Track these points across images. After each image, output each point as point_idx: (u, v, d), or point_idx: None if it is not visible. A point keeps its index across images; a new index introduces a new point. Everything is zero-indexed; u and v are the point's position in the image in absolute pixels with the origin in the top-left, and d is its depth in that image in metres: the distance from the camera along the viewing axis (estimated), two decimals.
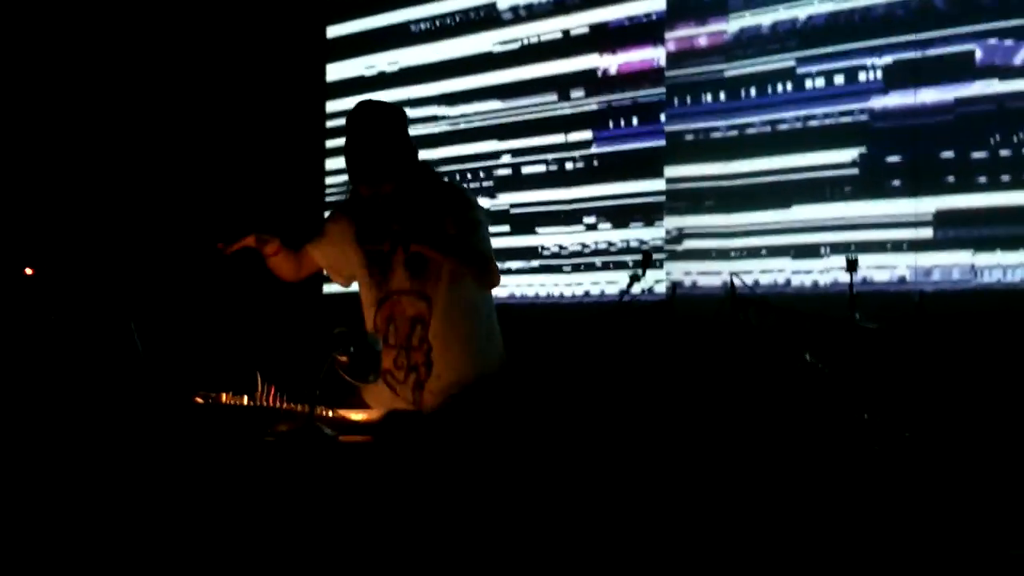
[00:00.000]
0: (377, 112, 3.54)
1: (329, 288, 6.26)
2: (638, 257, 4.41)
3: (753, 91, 5.11)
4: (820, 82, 4.94)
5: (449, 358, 3.52)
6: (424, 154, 4.67)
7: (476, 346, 3.58)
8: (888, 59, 4.76)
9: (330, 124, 6.72)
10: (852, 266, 3.85)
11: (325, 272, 3.86)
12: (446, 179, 3.79)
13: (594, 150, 5.64)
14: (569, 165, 5.73)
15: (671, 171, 5.35)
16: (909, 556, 3.33)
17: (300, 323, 3.40)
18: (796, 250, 4.90)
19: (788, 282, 4.87)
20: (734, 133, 5.15)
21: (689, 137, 5.31)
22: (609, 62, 5.63)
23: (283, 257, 3.72)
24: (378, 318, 3.61)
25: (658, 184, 5.38)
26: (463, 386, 3.51)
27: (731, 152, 5.14)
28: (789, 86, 5.01)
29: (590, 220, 5.62)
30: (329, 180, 6.70)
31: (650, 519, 3.16)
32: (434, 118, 6.18)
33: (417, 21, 6.37)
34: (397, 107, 3.59)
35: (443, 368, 3.51)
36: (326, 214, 6.50)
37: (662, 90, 5.41)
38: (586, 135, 5.68)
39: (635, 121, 5.53)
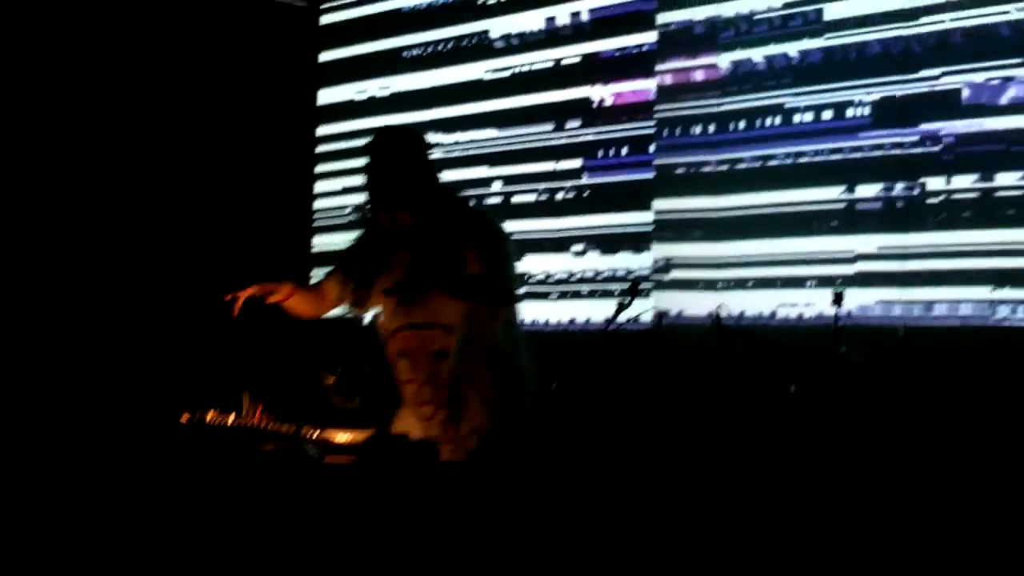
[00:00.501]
0: (394, 138, 3.48)
1: None
2: (625, 286, 4.41)
3: (743, 125, 5.14)
4: (808, 116, 4.97)
5: (480, 391, 3.41)
6: None
7: (504, 377, 3.46)
8: (876, 95, 4.80)
9: (320, 148, 6.73)
10: (838, 299, 3.87)
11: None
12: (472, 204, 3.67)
13: (583, 181, 5.66)
14: (559, 195, 5.75)
15: (660, 203, 5.37)
16: None
17: (288, 343, 3.39)
18: (783, 282, 4.92)
19: (774, 314, 4.89)
20: (724, 168, 5.18)
21: (679, 171, 5.33)
22: (600, 93, 5.66)
23: (299, 299, 3.62)
24: (391, 348, 3.54)
25: (646, 216, 5.40)
26: (493, 422, 3.39)
27: (720, 186, 5.17)
28: (778, 120, 5.05)
29: (578, 248, 5.63)
30: (318, 204, 6.70)
31: (638, 544, 3.16)
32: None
33: (409, 47, 6.40)
34: (416, 132, 3.53)
35: (475, 403, 3.40)
36: (316, 239, 6.61)
37: (652, 122, 5.44)
38: (575, 165, 5.70)
39: (624, 152, 5.55)
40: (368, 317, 3.66)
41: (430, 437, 3.35)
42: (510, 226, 5.73)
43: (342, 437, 3.19)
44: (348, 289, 3.54)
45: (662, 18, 5.44)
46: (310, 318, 3.70)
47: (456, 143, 6.12)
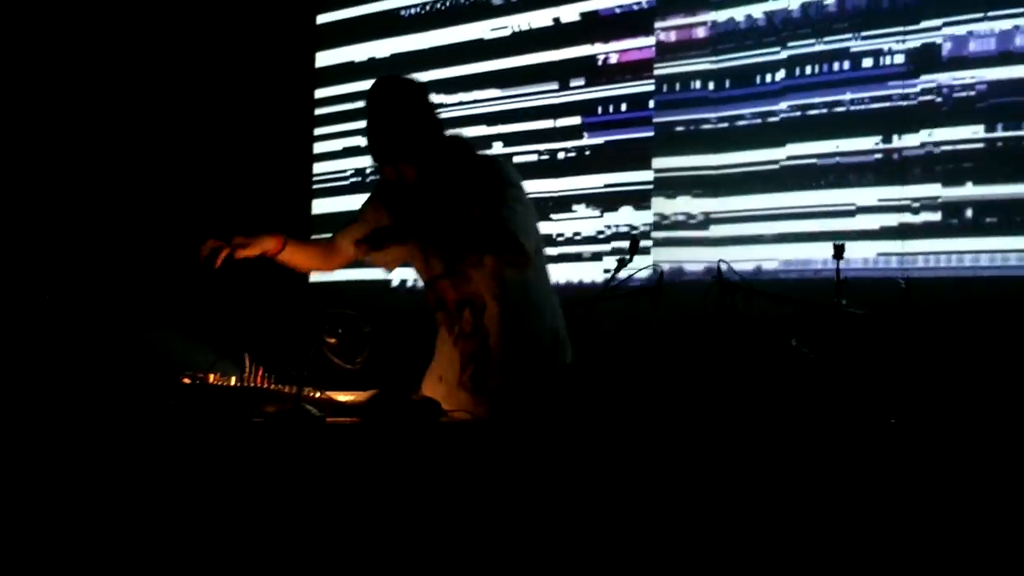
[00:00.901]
0: (392, 88, 3.39)
1: (316, 278, 6.25)
2: (624, 244, 4.40)
3: (742, 81, 5.12)
4: (808, 70, 4.95)
5: (508, 342, 3.37)
6: None
7: (536, 323, 3.42)
8: (876, 46, 4.77)
9: (319, 111, 6.70)
10: (839, 252, 3.86)
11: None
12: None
13: (582, 141, 5.64)
14: (559, 155, 5.73)
15: (659, 162, 5.36)
16: (896, 544, 3.35)
17: (289, 304, 3.39)
18: (783, 236, 4.91)
19: (775, 269, 4.89)
20: (724, 124, 5.15)
21: (679, 128, 5.31)
22: (599, 51, 5.63)
23: (294, 252, 3.56)
24: (429, 301, 3.50)
25: (646, 175, 5.38)
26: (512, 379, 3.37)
27: (720, 143, 5.15)
28: (779, 75, 5.02)
29: (577, 208, 5.62)
30: (318, 167, 6.69)
31: (643, 507, 3.17)
32: None
33: (408, 7, 6.36)
34: (416, 81, 3.43)
35: (504, 355, 3.37)
36: (316, 203, 6.60)
37: (651, 80, 5.41)
38: (575, 124, 5.67)
39: (624, 110, 5.53)
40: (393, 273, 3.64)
41: (460, 387, 3.36)
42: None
43: (345, 397, 3.20)
44: (361, 249, 3.49)
45: None
46: (317, 270, 3.67)
47: (456, 103, 6.09)
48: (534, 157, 5.81)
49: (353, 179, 6.46)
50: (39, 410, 3.17)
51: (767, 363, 3.70)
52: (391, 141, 3.31)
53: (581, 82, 5.68)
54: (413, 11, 6.35)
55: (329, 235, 3.69)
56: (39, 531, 3.03)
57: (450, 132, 3.45)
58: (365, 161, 6.38)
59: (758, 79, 5.07)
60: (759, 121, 5.06)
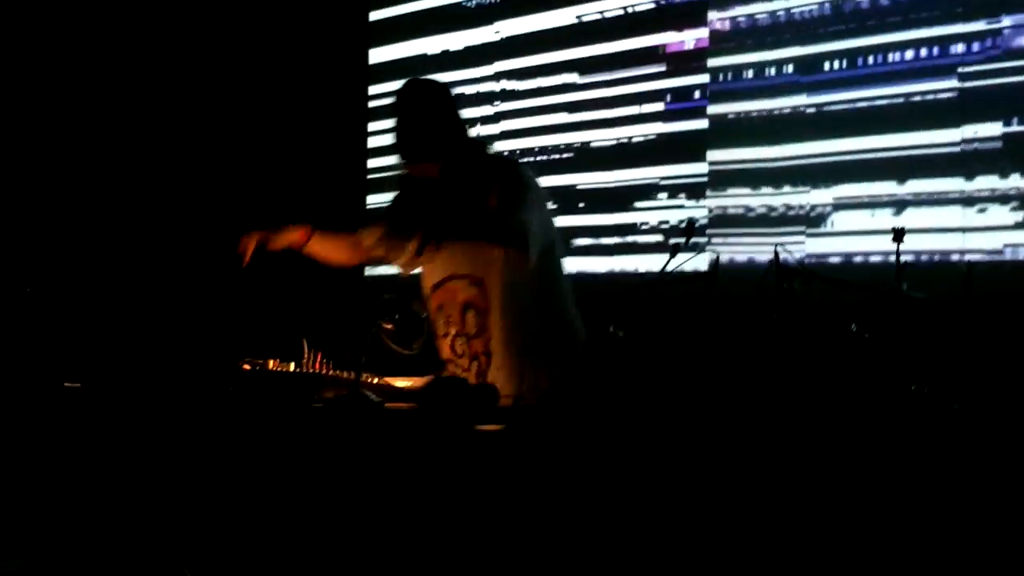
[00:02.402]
0: (420, 89, 3.49)
1: (372, 271, 6.28)
2: (678, 239, 4.36)
3: (799, 71, 5.07)
4: (865, 61, 4.90)
5: (510, 346, 3.43)
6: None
7: (541, 331, 3.47)
8: (934, 39, 4.72)
9: (373, 104, 6.73)
10: (899, 236, 3.81)
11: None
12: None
13: (636, 132, 5.61)
14: (610, 147, 5.70)
15: (714, 154, 5.32)
16: (953, 530, 3.31)
17: (347, 291, 3.42)
18: (841, 224, 4.87)
19: (834, 255, 4.85)
20: (779, 114, 5.11)
21: (733, 119, 5.27)
22: (652, 42, 5.59)
23: (321, 245, 3.64)
24: (431, 305, 3.55)
25: (700, 167, 5.35)
26: (529, 373, 3.41)
27: (775, 135, 5.10)
28: (835, 66, 4.97)
29: (630, 200, 5.59)
30: (371, 163, 6.71)
31: (698, 486, 3.15)
32: (476, 97, 6.19)
33: (466, 1, 6.37)
34: (442, 84, 3.53)
35: (503, 358, 3.43)
36: (371, 198, 6.63)
37: (706, 75, 5.38)
38: (629, 116, 5.65)
39: (678, 102, 5.50)
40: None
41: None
42: (563, 179, 5.78)
43: (403, 383, 3.21)
44: (382, 245, 3.57)
45: None
46: (343, 265, 3.72)
47: (503, 95, 6.10)
48: (588, 146, 5.79)
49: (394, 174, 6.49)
50: (106, 393, 3.22)
51: (826, 348, 3.66)
52: (419, 141, 3.38)
53: (631, 73, 5.66)
54: (468, 5, 6.36)
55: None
56: (100, 511, 3.07)
57: (472, 134, 3.54)
58: None
59: (817, 68, 5.03)
60: (814, 111, 5.02)
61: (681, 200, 5.41)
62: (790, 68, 5.10)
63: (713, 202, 5.27)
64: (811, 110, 5.03)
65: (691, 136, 5.40)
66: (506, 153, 4.22)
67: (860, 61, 4.92)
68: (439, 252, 3.44)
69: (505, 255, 3.37)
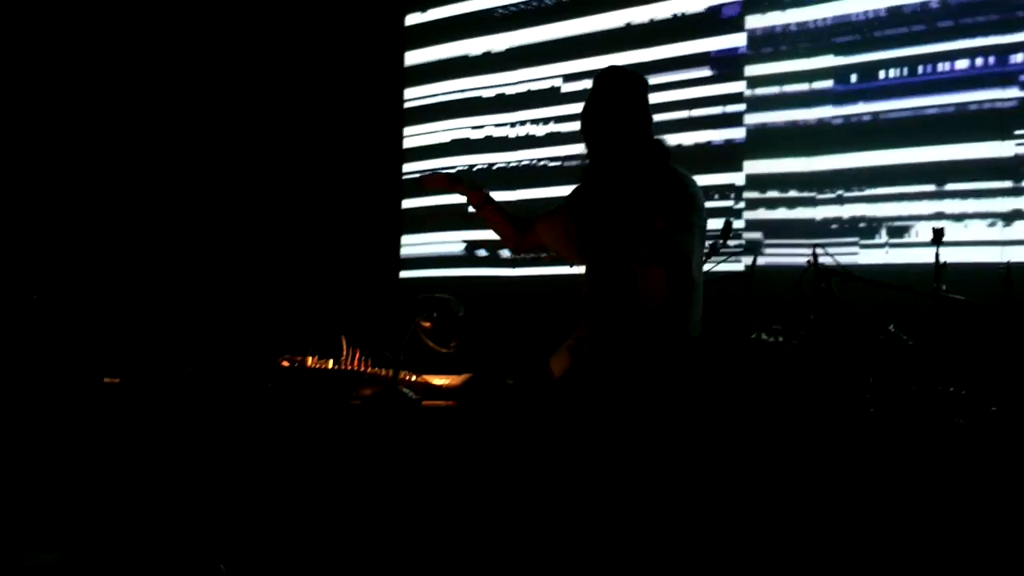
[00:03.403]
0: (622, 78, 3.45)
1: (406, 274, 6.31)
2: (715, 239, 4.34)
3: (834, 83, 5.05)
4: (895, 73, 4.88)
5: (637, 333, 3.37)
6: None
7: (667, 327, 3.38)
8: (971, 49, 4.69)
9: (408, 104, 6.75)
10: (938, 237, 3.79)
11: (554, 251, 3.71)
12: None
13: (673, 141, 5.58)
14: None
15: (751, 165, 5.30)
16: (993, 531, 3.29)
17: (385, 290, 3.42)
18: (881, 224, 4.84)
19: (872, 256, 4.82)
20: (815, 125, 5.09)
21: (770, 129, 5.25)
22: (688, 50, 5.58)
23: (494, 213, 3.65)
24: (586, 288, 3.52)
25: (738, 177, 5.33)
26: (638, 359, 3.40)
27: (813, 147, 5.08)
28: (870, 77, 4.95)
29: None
30: (407, 166, 6.73)
31: (732, 481, 3.15)
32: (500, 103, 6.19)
33: (505, 6, 6.37)
34: (640, 78, 3.49)
35: (597, 345, 3.38)
36: (406, 202, 6.66)
37: (742, 83, 5.36)
38: (664, 125, 5.62)
39: (715, 112, 5.47)
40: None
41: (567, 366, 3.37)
42: None
43: (440, 381, 3.22)
44: (548, 238, 3.57)
45: None
46: (510, 247, 3.72)
47: (535, 103, 6.11)
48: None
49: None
50: (146, 389, 3.24)
51: (864, 348, 3.65)
52: (608, 125, 3.35)
53: (666, 79, 5.65)
54: (508, 11, 6.36)
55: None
56: (135, 506, 3.09)
57: (657, 137, 3.50)
58: (452, 160, 6.43)
59: (851, 80, 5.01)
60: (850, 122, 5.00)
61: (719, 210, 5.39)
62: (829, 80, 5.09)
63: (751, 214, 5.26)
64: (839, 121, 5.00)
65: (728, 146, 5.38)
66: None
67: (882, 74, 4.90)
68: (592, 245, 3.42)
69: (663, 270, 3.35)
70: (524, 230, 3.69)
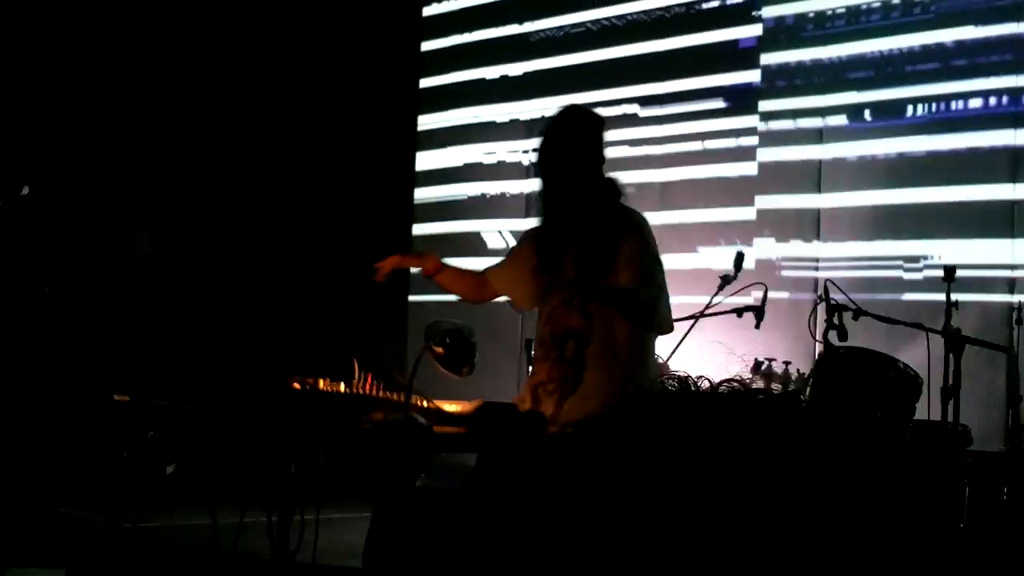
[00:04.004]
0: (577, 115, 3.47)
1: (416, 297, 6.31)
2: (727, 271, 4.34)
3: (844, 120, 5.07)
4: (912, 111, 4.90)
5: (598, 380, 3.36)
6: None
7: (627, 373, 3.38)
8: (983, 91, 4.73)
9: (422, 128, 6.77)
10: (949, 275, 3.81)
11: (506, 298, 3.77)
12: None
13: (686, 176, 5.60)
14: (663, 188, 5.69)
15: (762, 200, 5.31)
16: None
17: (397, 314, 3.41)
18: (893, 260, 4.84)
19: (883, 290, 4.83)
20: (829, 160, 5.10)
21: (781, 165, 5.27)
22: (703, 84, 5.60)
23: (449, 277, 3.65)
24: (545, 330, 3.55)
25: (749, 212, 5.34)
26: (601, 410, 3.39)
27: (825, 182, 5.09)
28: (884, 115, 4.98)
29: (685, 239, 5.59)
30: (418, 192, 6.75)
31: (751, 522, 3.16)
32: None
33: (511, 36, 6.40)
34: (597, 116, 3.50)
35: (589, 389, 3.35)
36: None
37: (755, 118, 5.38)
38: (676, 160, 5.65)
39: (730, 146, 5.49)
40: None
41: (544, 410, 3.37)
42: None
43: (452, 407, 3.21)
44: (505, 286, 3.58)
45: (767, 11, 5.40)
46: (469, 300, 3.73)
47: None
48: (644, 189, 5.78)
49: (452, 202, 6.53)
50: (156, 407, 3.24)
51: (873, 383, 3.65)
52: (563, 163, 3.37)
53: (682, 109, 5.67)
54: (518, 39, 6.39)
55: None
56: (145, 523, 3.09)
57: (609, 175, 3.52)
58: (463, 187, 6.46)
59: (861, 117, 5.03)
60: (854, 158, 5.02)
61: (731, 245, 5.39)
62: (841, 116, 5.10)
63: (762, 246, 5.27)
64: (853, 157, 5.02)
65: (741, 179, 5.40)
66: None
67: (896, 111, 4.92)
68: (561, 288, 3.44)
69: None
70: (481, 284, 3.70)
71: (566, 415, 3.35)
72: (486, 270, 3.68)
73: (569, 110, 3.52)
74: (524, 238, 3.64)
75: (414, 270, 3.75)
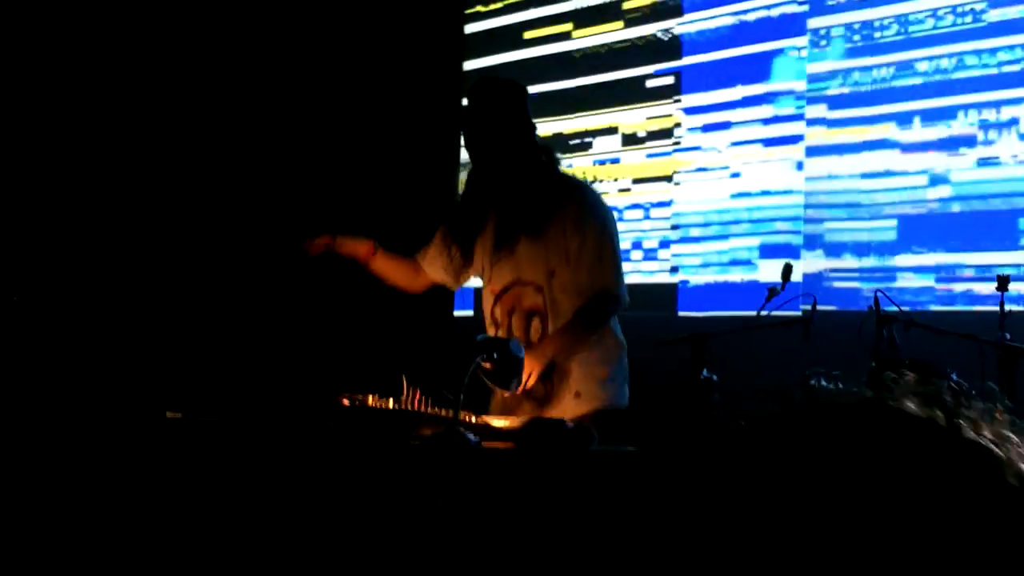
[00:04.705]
0: (497, 86, 3.50)
1: (461, 312, 6.29)
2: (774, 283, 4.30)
3: (899, 125, 5.01)
4: (963, 116, 4.84)
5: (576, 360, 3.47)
6: None
7: (598, 347, 3.52)
8: None
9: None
10: (1003, 284, 3.76)
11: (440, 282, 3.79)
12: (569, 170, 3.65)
13: (730, 162, 5.54)
14: (705, 175, 5.64)
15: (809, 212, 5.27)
16: None
17: (447, 329, 3.43)
18: (945, 270, 4.78)
19: (935, 301, 4.76)
20: (878, 170, 5.04)
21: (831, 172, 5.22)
22: (750, 92, 5.56)
23: (383, 263, 3.69)
24: (495, 311, 3.58)
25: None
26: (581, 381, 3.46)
27: (875, 190, 5.03)
28: (942, 120, 4.92)
29: (729, 229, 5.55)
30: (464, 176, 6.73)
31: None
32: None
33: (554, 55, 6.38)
34: (517, 85, 3.52)
35: (561, 366, 3.46)
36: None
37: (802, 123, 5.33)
38: (725, 144, 5.60)
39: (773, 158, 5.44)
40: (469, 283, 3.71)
41: (524, 395, 3.39)
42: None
43: (501, 422, 3.21)
44: (451, 253, 3.61)
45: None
46: (403, 288, 3.75)
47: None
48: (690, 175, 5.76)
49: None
50: (208, 424, 3.26)
51: (924, 397, 3.60)
52: (491, 135, 3.38)
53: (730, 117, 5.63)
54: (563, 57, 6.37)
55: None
56: (193, 542, 3.10)
57: (541, 142, 3.54)
58: None
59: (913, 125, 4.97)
60: (903, 165, 4.96)
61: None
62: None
63: (810, 257, 5.21)
64: (902, 165, 4.95)
65: (785, 164, 5.35)
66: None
67: (947, 118, 4.85)
68: (504, 259, 3.48)
69: (558, 270, 3.41)
70: (415, 270, 3.72)
71: (559, 393, 3.46)
72: (417, 257, 3.72)
73: (487, 81, 3.57)
74: (446, 225, 3.67)
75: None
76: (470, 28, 6.79)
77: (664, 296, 5.67)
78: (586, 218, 3.43)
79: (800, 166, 5.30)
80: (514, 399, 3.46)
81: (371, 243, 3.68)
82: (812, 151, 5.26)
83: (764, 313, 3.78)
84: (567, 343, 3.41)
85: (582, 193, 3.52)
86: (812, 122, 5.27)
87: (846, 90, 5.16)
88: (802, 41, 5.34)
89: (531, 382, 3.35)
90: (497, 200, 3.49)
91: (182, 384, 4.46)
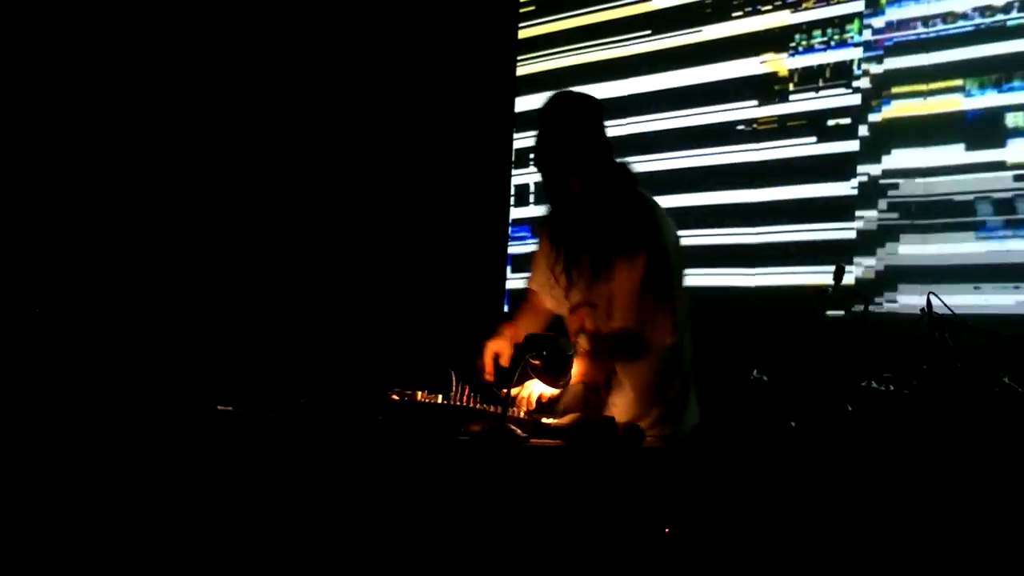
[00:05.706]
0: (571, 101, 3.42)
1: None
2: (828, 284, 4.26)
3: (967, 121, 4.96)
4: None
5: (626, 380, 3.44)
6: None
7: (659, 370, 3.44)
8: None
9: (517, 146, 6.77)
10: None
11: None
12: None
13: (786, 154, 5.49)
14: (759, 166, 5.61)
15: (863, 214, 5.22)
16: None
17: (495, 326, 3.43)
18: (998, 273, 4.72)
19: (989, 305, 4.70)
20: (936, 166, 5.00)
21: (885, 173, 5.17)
22: (801, 63, 5.51)
23: (527, 326, 3.58)
24: (571, 327, 3.56)
25: (850, 226, 5.26)
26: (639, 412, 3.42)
27: (930, 191, 4.98)
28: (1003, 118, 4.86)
29: (780, 222, 5.50)
30: (514, 211, 6.75)
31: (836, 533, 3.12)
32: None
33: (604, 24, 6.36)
34: (594, 99, 3.44)
35: (622, 390, 3.44)
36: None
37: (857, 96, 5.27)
38: (778, 136, 5.56)
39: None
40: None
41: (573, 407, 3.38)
42: (713, 197, 5.64)
43: (549, 420, 3.22)
44: (556, 290, 3.59)
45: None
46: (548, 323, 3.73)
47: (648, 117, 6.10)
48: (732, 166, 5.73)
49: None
50: (257, 417, 3.29)
51: (977, 400, 3.58)
52: (564, 152, 3.34)
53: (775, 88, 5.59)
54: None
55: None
56: (240, 535, 3.13)
57: (619, 160, 3.47)
58: None
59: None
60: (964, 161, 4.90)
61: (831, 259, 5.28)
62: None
63: (863, 259, 5.17)
64: (961, 161, 4.90)
65: (841, 156, 5.31)
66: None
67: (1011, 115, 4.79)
68: (602, 282, 3.45)
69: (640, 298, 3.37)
70: (541, 308, 3.69)
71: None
72: (528, 298, 3.69)
73: (562, 97, 3.42)
74: (540, 239, 3.63)
75: (512, 283, 3.77)
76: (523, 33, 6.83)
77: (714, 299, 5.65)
78: (656, 239, 3.36)
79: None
80: (576, 404, 3.45)
81: (509, 331, 3.59)
82: None
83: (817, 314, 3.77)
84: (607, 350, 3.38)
85: (660, 215, 3.44)
86: None
87: None
88: None
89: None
90: (583, 222, 3.41)
91: (234, 379, 4.51)
